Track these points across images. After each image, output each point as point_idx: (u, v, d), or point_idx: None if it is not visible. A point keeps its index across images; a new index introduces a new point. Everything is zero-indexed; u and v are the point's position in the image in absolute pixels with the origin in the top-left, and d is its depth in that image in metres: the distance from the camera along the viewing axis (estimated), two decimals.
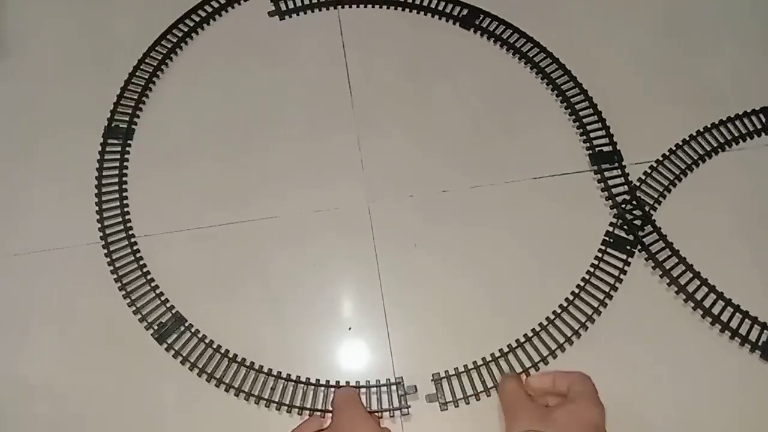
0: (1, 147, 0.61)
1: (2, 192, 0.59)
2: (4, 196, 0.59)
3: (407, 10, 0.65)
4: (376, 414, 0.49)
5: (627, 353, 0.53)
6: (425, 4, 0.65)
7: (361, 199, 0.58)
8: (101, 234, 0.56)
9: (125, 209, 0.57)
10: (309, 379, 0.51)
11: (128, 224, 0.56)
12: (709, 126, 0.60)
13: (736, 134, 0.60)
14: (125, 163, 0.59)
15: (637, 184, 0.58)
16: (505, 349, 0.52)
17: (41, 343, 0.53)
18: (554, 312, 0.53)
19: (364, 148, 0.60)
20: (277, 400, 0.50)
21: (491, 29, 0.64)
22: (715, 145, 0.59)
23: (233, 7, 0.66)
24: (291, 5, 0.66)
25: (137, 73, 0.62)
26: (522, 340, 0.52)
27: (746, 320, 0.52)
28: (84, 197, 0.58)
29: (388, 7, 0.66)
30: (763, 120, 0.60)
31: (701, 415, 0.51)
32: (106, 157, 0.59)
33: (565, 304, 0.53)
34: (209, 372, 0.51)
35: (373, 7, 0.66)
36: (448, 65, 0.64)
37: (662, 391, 0.51)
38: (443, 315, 0.54)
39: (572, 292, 0.54)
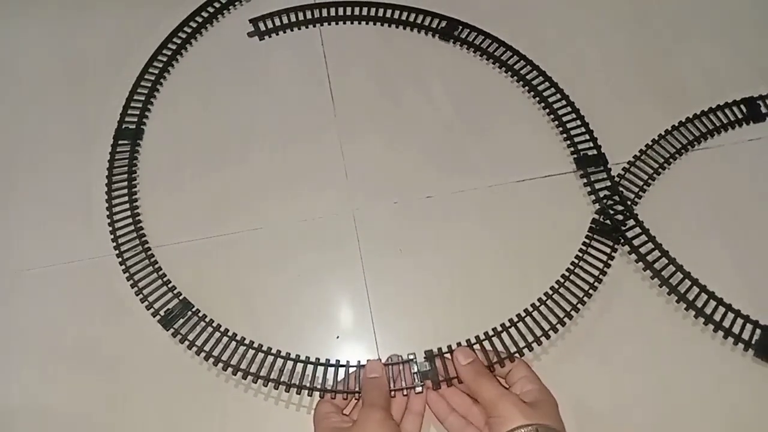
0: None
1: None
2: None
3: (386, 24, 0.67)
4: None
5: (610, 346, 0.52)
6: (404, 18, 0.67)
7: (345, 207, 0.58)
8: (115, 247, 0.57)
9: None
10: (318, 359, 0.51)
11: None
12: (683, 120, 0.60)
13: (711, 127, 0.60)
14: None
15: (617, 180, 0.58)
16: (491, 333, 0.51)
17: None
18: (539, 299, 0.53)
19: (348, 157, 0.61)
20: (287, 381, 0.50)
21: (470, 40, 0.65)
22: (691, 138, 0.59)
23: (211, 26, 0.69)
24: (270, 25, 0.68)
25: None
26: (499, 329, 0.51)
27: (729, 313, 0.52)
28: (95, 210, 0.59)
29: (367, 23, 0.67)
30: (744, 110, 0.61)
31: (683, 409, 0.50)
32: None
33: (550, 293, 0.53)
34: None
35: (352, 23, 0.67)
36: (429, 76, 0.65)
37: (645, 383, 0.51)
38: (430, 319, 0.54)
39: (557, 281, 0.54)
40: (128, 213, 0.58)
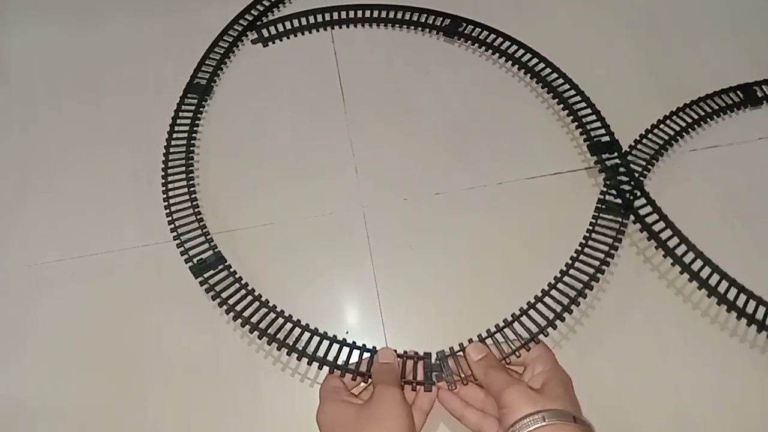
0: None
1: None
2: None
3: (389, 26, 0.69)
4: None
5: (621, 331, 0.53)
6: (408, 18, 0.69)
7: (355, 204, 0.59)
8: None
9: None
10: (336, 335, 0.52)
11: None
12: (688, 103, 0.62)
13: (710, 111, 0.62)
14: None
15: (625, 153, 0.59)
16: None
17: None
18: (549, 284, 0.54)
19: (358, 155, 0.62)
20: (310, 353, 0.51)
21: (474, 35, 0.67)
22: (692, 120, 0.61)
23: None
24: (273, 31, 0.69)
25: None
26: (510, 319, 0.52)
27: (741, 294, 0.52)
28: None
29: (371, 26, 0.69)
30: (741, 96, 0.63)
31: (693, 386, 0.51)
32: None
33: (559, 275, 0.54)
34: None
35: (363, 26, 0.69)
36: (436, 73, 0.66)
37: (655, 367, 0.52)
38: (440, 316, 0.54)
39: (566, 264, 0.55)
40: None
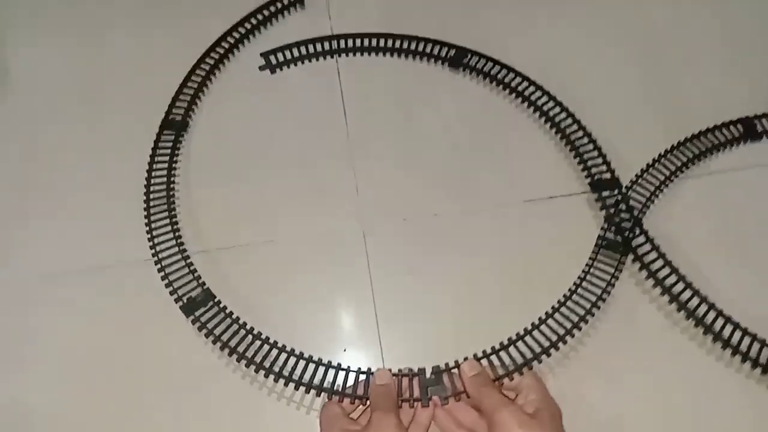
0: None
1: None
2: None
3: (395, 55, 0.70)
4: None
5: (619, 362, 0.54)
6: (413, 47, 0.70)
7: (355, 223, 0.61)
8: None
9: None
10: (330, 361, 0.53)
11: None
12: (682, 140, 0.63)
13: (710, 146, 0.63)
14: None
15: (625, 191, 0.60)
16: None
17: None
18: (547, 312, 0.55)
19: (359, 176, 0.63)
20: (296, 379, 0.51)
21: (479, 67, 0.68)
22: (691, 156, 0.62)
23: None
24: (281, 59, 0.71)
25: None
26: (506, 342, 0.53)
27: (737, 331, 0.53)
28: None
29: (375, 54, 0.70)
30: (741, 130, 0.63)
31: (686, 424, 0.52)
32: None
33: (557, 305, 0.55)
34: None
35: (369, 55, 0.70)
36: (439, 101, 0.67)
37: (650, 398, 0.53)
38: (436, 335, 0.56)
39: (564, 295, 0.56)
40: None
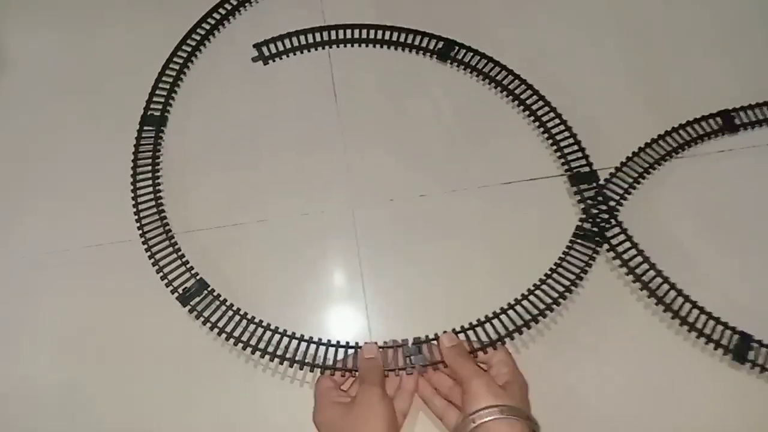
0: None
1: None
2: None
3: (385, 47, 0.72)
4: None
5: (591, 344, 0.57)
6: (403, 39, 0.71)
7: (345, 204, 0.63)
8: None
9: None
10: (321, 339, 0.56)
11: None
12: (663, 133, 0.65)
13: (691, 137, 0.64)
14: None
15: (603, 183, 0.62)
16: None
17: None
18: (522, 294, 0.58)
19: (349, 159, 0.65)
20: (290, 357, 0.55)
21: (466, 60, 0.70)
22: (671, 148, 0.64)
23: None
24: (273, 50, 0.72)
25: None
26: (482, 319, 0.56)
27: (708, 319, 0.56)
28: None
29: (367, 45, 0.72)
30: (720, 123, 0.65)
31: (660, 408, 0.55)
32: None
33: (533, 288, 0.58)
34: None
35: (359, 46, 0.72)
36: (428, 91, 0.69)
37: (622, 383, 0.56)
38: (420, 310, 0.59)
39: (540, 279, 0.58)
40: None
